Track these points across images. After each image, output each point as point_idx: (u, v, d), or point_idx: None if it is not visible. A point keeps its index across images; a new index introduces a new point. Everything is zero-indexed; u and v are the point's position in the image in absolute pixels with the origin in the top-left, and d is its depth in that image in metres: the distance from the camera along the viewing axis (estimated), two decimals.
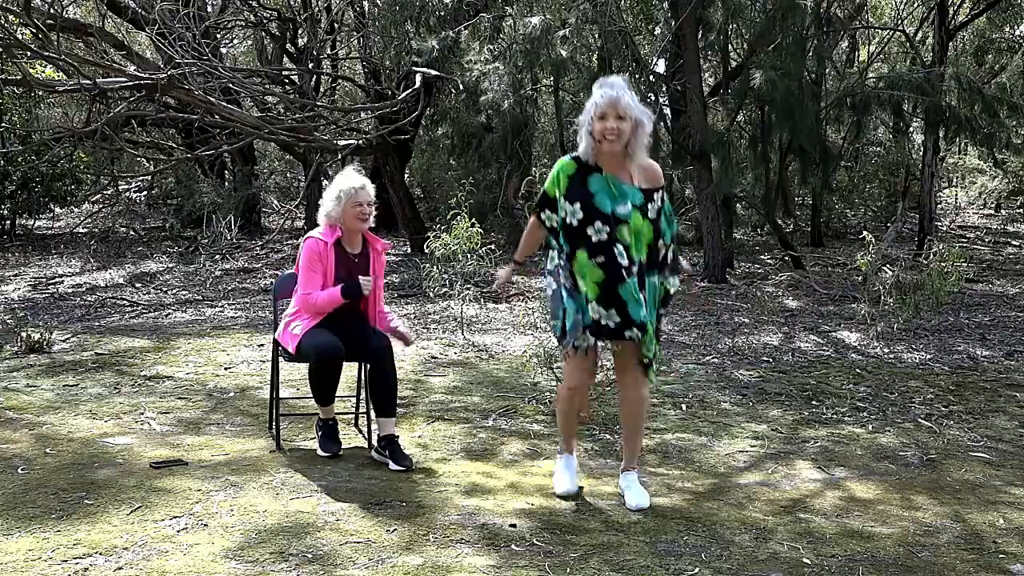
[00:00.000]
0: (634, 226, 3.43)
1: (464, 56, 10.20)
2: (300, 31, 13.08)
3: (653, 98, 11.09)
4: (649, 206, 3.47)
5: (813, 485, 3.86)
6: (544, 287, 3.63)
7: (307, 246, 4.06)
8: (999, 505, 3.63)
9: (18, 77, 9.24)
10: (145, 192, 15.69)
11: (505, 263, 3.83)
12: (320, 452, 4.10)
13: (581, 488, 3.73)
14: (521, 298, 8.04)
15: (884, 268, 7.62)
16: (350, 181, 4.07)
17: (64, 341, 6.61)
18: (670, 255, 3.60)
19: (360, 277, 4.01)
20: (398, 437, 4.05)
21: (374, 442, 4.17)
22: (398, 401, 5.05)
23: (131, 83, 8.97)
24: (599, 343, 3.58)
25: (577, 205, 3.43)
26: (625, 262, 3.40)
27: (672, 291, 3.61)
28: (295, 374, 5.34)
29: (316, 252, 4.03)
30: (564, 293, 3.52)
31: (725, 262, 9.80)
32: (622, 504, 3.55)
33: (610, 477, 3.89)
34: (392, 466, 3.94)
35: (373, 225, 4.21)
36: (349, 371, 4.66)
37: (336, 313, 4.03)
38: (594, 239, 3.41)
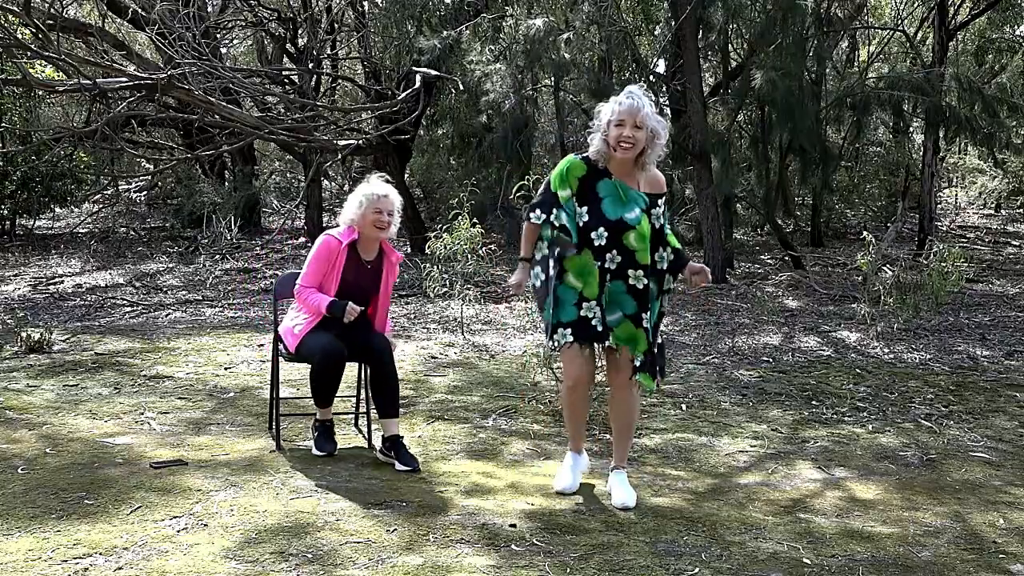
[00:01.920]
0: (642, 230, 3.49)
1: (465, 56, 10.19)
2: (300, 31, 13.08)
3: (653, 98, 11.10)
4: (653, 211, 3.54)
5: (813, 485, 3.86)
6: (533, 278, 3.66)
7: (322, 241, 4.06)
8: (999, 505, 3.64)
9: (18, 77, 9.24)
10: (145, 192, 15.69)
11: (510, 267, 3.85)
12: (315, 451, 4.10)
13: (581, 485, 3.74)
14: (520, 298, 8.03)
15: (884, 268, 7.62)
16: (374, 188, 4.06)
17: (64, 341, 6.61)
18: (670, 257, 3.63)
19: (350, 303, 3.94)
20: (403, 437, 4.05)
21: (376, 443, 4.17)
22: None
23: (131, 83, 8.97)
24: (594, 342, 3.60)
25: (585, 208, 3.51)
26: (613, 267, 3.48)
27: (666, 287, 3.65)
28: (295, 374, 5.34)
29: (328, 249, 4.03)
30: (553, 284, 3.54)
31: (725, 262, 9.80)
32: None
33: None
34: (398, 466, 3.93)
35: (393, 237, 4.19)
36: (349, 370, 4.66)
37: (343, 323, 4.02)
38: (596, 243, 3.48)
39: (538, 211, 3.57)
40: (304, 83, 12.49)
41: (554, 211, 3.54)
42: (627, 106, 3.43)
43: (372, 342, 4.05)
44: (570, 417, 3.79)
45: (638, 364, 3.54)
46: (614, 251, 3.47)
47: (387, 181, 4.17)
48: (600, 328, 3.49)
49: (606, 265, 3.48)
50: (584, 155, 3.57)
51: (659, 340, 3.64)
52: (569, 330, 3.51)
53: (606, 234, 3.46)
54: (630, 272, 3.48)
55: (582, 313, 3.50)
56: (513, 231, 10.33)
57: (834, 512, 3.54)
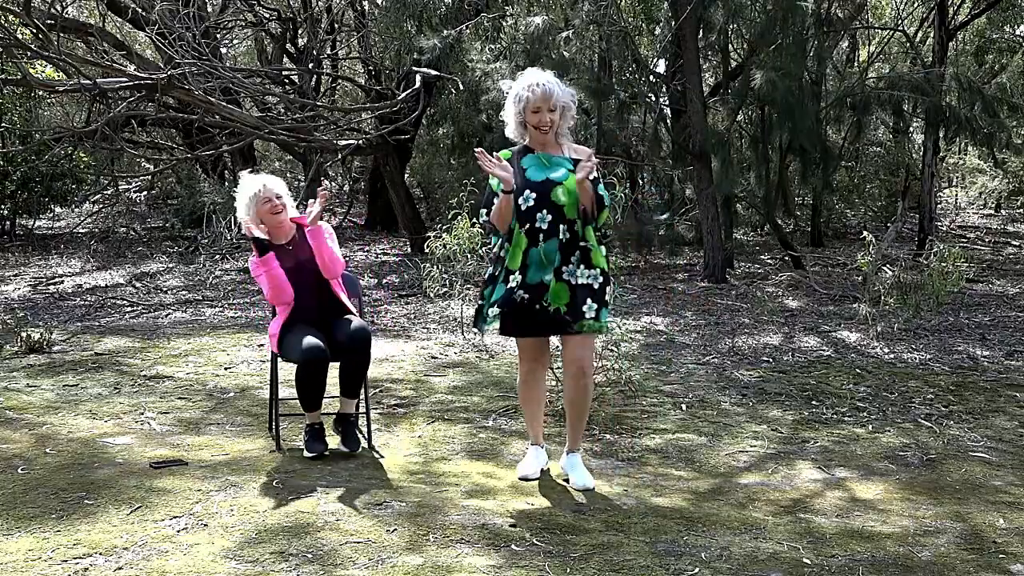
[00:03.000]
0: (570, 185, 3.61)
1: (466, 55, 10.19)
2: (300, 31, 13.08)
3: (653, 98, 11.10)
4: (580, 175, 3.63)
5: (813, 485, 3.86)
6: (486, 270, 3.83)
7: (255, 269, 4.11)
8: (999, 505, 3.64)
9: (18, 77, 9.24)
10: (145, 192, 15.68)
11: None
12: (306, 453, 4.09)
13: (545, 472, 3.89)
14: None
15: (884, 268, 7.62)
16: (251, 186, 4.14)
17: (64, 341, 6.61)
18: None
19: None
20: (354, 419, 4.16)
21: (375, 443, 4.18)
22: (398, 401, 5.06)
23: (131, 83, 8.97)
24: (530, 334, 3.73)
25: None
26: (544, 226, 3.60)
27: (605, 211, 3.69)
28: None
29: (264, 266, 4.06)
30: (495, 277, 3.69)
31: (725, 262, 9.80)
32: (622, 504, 3.56)
33: (611, 477, 3.89)
34: (339, 446, 4.07)
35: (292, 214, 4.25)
36: None
37: (308, 302, 4.06)
38: (523, 207, 3.62)
39: (484, 210, 3.77)
40: (304, 83, 12.49)
41: (483, 211, 3.76)
42: (541, 93, 3.59)
43: (349, 333, 4.06)
44: (525, 405, 3.94)
45: (571, 318, 3.60)
46: (544, 210, 3.60)
47: (251, 172, 4.29)
48: (517, 291, 3.60)
49: (537, 225, 3.59)
50: (510, 148, 3.79)
51: (597, 284, 3.65)
52: (495, 308, 3.65)
53: (533, 195, 3.61)
54: (560, 227, 3.60)
55: (508, 286, 3.64)
56: None
57: (834, 512, 3.54)
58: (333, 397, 4.21)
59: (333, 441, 4.25)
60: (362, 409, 4.42)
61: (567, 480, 3.78)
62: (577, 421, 3.80)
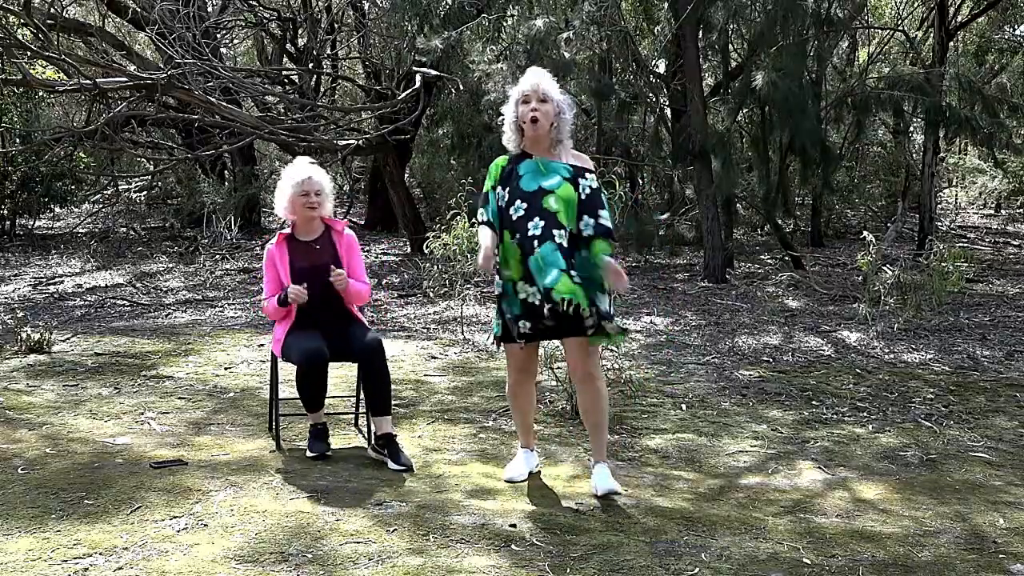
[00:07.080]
0: (563, 194, 3.53)
1: (467, 56, 10.19)
2: (300, 31, 13.08)
3: (653, 98, 11.10)
4: (580, 181, 3.58)
5: (814, 485, 3.86)
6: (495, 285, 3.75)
7: (265, 252, 4.18)
8: (1000, 505, 3.64)
9: (18, 77, 9.24)
10: (145, 192, 15.69)
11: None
12: (308, 453, 4.08)
13: (536, 473, 3.88)
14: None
15: (884, 268, 7.62)
16: (295, 173, 4.13)
17: (64, 341, 6.61)
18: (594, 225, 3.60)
19: (291, 285, 3.99)
20: (396, 436, 4.05)
21: (364, 438, 4.17)
22: (399, 401, 5.06)
23: (131, 83, 8.98)
24: (531, 339, 3.63)
25: (506, 190, 3.60)
26: (538, 232, 3.48)
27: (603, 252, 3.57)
28: (295, 374, 5.33)
29: (269, 257, 4.15)
30: (500, 289, 3.64)
31: (725, 262, 9.80)
32: (622, 504, 3.55)
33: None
34: (391, 465, 3.93)
35: (329, 213, 4.23)
36: (349, 370, 4.66)
37: (317, 310, 4.05)
38: (514, 217, 3.55)
39: (480, 210, 3.71)
40: (304, 83, 12.49)
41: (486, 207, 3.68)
42: (529, 82, 3.56)
43: (357, 338, 4.05)
44: (515, 412, 3.91)
45: (591, 324, 3.47)
46: (536, 218, 3.50)
47: (310, 162, 4.22)
48: (538, 300, 3.52)
49: (530, 232, 3.49)
50: (507, 155, 3.71)
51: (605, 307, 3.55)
52: (523, 319, 3.57)
53: (524, 205, 3.53)
54: (555, 232, 3.48)
55: (520, 296, 3.57)
56: None
57: (835, 512, 3.54)
58: (334, 397, 4.21)
59: (343, 441, 4.25)
60: (363, 408, 4.43)
61: (597, 495, 3.61)
62: (596, 430, 3.68)
